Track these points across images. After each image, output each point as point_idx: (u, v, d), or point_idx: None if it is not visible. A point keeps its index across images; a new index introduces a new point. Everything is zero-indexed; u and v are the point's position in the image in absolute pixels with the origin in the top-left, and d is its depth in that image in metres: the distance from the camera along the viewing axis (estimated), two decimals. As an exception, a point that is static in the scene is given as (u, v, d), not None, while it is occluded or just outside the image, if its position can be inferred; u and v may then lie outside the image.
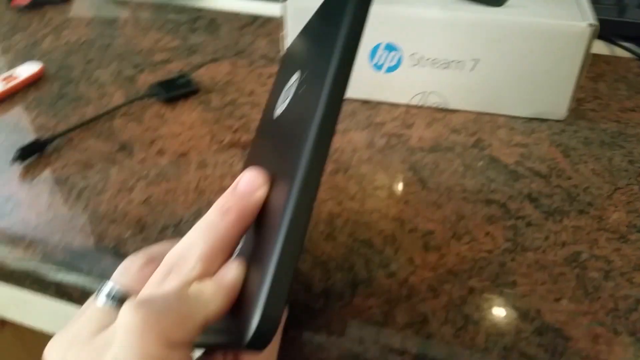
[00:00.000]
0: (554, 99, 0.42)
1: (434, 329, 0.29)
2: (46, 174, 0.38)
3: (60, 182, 0.38)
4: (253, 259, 0.22)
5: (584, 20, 0.39)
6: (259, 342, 0.20)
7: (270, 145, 0.27)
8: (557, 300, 0.30)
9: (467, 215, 0.35)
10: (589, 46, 0.39)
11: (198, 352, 0.25)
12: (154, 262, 0.26)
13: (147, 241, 0.33)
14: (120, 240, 0.34)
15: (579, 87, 0.41)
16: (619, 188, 0.37)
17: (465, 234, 0.34)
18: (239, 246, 0.26)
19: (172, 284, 0.23)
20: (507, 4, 0.41)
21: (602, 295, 0.30)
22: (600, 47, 0.53)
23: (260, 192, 0.24)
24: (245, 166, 0.30)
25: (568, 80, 0.41)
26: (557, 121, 0.43)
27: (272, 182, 0.24)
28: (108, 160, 0.39)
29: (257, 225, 0.24)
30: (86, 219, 0.35)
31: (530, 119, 0.43)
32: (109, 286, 0.25)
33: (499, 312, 0.30)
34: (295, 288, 0.31)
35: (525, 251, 0.33)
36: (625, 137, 0.42)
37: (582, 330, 0.29)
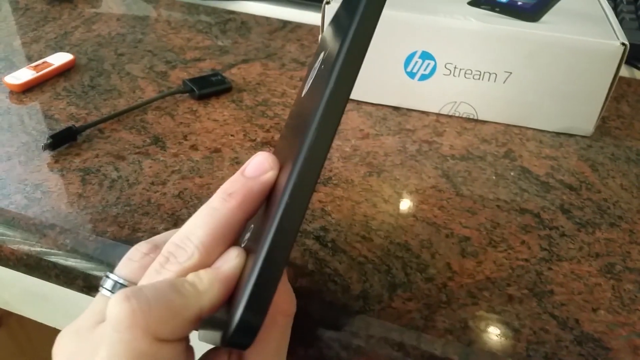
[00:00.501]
0: (582, 115, 0.43)
1: (475, 336, 0.29)
2: (77, 163, 0.38)
3: (91, 172, 0.37)
4: (254, 247, 0.21)
5: (616, 39, 0.39)
6: (241, 339, 0.19)
7: (291, 127, 0.27)
8: (595, 310, 0.30)
9: (502, 223, 0.35)
10: (619, 65, 0.40)
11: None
12: (157, 250, 0.25)
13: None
14: (154, 232, 0.33)
15: (606, 105, 0.42)
16: (648, 204, 0.38)
17: (501, 241, 0.34)
18: (249, 232, 0.25)
19: (167, 273, 0.22)
20: (541, 19, 0.41)
21: (639, 307, 0.31)
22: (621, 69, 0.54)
23: (267, 176, 0.23)
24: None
25: (597, 97, 0.42)
26: (584, 137, 0.44)
27: (283, 166, 0.22)
28: (140, 152, 0.39)
29: (265, 211, 0.23)
30: (119, 210, 0.34)
31: (558, 134, 0.44)
32: (111, 277, 0.24)
33: (538, 320, 0.30)
34: (333, 288, 0.31)
35: (561, 261, 0.33)
36: (651, 155, 0.42)
37: (622, 341, 0.29)
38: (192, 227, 0.23)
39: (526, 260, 0.33)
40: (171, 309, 0.20)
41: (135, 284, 0.24)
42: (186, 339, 0.22)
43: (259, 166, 0.23)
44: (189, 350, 0.23)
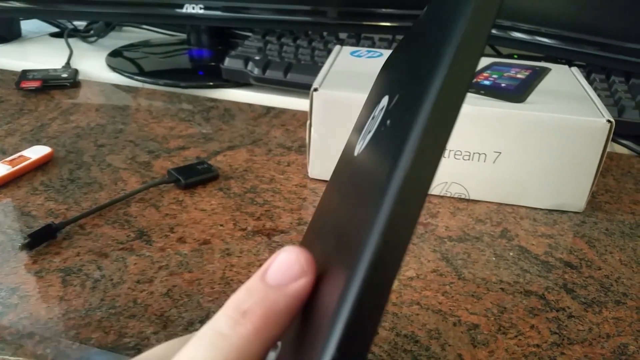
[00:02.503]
0: (573, 191, 0.43)
1: None
2: (57, 262, 0.35)
3: (73, 272, 0.35)
4: None
5: (602, 116, 0.40)
6: None
7: (339, 198, 0.20)
8: (619, 399, 0.29)
9: (509, 307, 0.34)
10: (607, 141, 0.40)
11: None
12: None
13: (172, 338, 0.30)
14: (142, 337, 0.30)
15: (596, 180, 0.42)
16: (650, 279, 0.37)
17: (510, 327, 0.33)
18: (276, 352, 0.18)
19: None
20: (527, 100, 0.42)
21: (664, 392, 0.29)
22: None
23: (299, 285, 0.16)
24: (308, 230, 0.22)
25: (587, 174, 0.42)
26: (576, 213, 0.44)
27: (327, 263, 0.16)
28: (124, 248, 0.37)
29: (302, 325, 0.17)
30: (103, 313, 0.32)
31: (551, 211, 0.44)
32: None
33: (564, 413, 0.28)
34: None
35: (572, 344, 0.32)
36: (644, 229, 0.42)
37: None
38: None
39: (538, 346, 0.31)
40: None
41: None
42: None
43: (287, 270, 0.16)
44: None
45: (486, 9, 0.14)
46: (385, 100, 0.19)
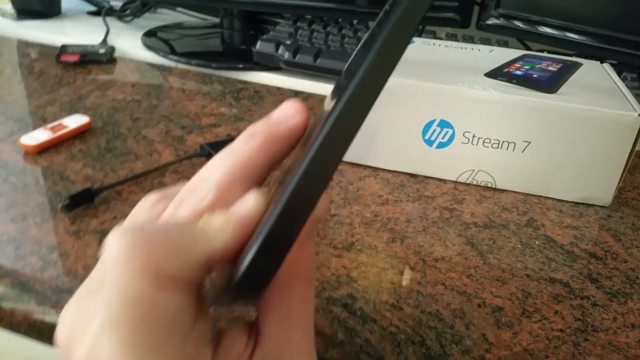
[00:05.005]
0: (601, 185, 0.43)
1: (519, 410, 0.27)
2: (95, 225, 0.37)
3: (109, 234, 0.36)
4: (278, 193, 0.19)
5: (634, 110, 0.40)
6: (252, 284, 0.17)
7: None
8: (640, 385, 0.29)
9: (533, 292, 0.34)
10: (638, 136, 0.41)
11: None
12: (169, 198, 0.23)
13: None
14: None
15: (624, 176, 0.42)
16: (676, 275, 0.37)
17: (534, 311, 0.33)
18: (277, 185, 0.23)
19: (180, 215, 0.20)
20: (559, 91, 0.43)
21: (686, 382, 0.29)
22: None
23: (295, 120, 0.21)
24: None
25: (615, 168, 0.42)
26: (602, 207, 0.44)
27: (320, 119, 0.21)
28: (159, 215, 0.38)
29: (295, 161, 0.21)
30: (137, 274, 0.33)
31: (577, 203, 0.44)
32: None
33: (585, 394, 0.28)
34: None
35: (596, 332, 0.32)
36: (671, 226, 0.42)
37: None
38: (209, 168, 0.21)
39: (561, 330, 0.32)
40: (176, 245, 0.18)
41: None
42: (194, 293, 0.19)
43: (286, 111, 0.21)
44: (201, 314, 0.19)
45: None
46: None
